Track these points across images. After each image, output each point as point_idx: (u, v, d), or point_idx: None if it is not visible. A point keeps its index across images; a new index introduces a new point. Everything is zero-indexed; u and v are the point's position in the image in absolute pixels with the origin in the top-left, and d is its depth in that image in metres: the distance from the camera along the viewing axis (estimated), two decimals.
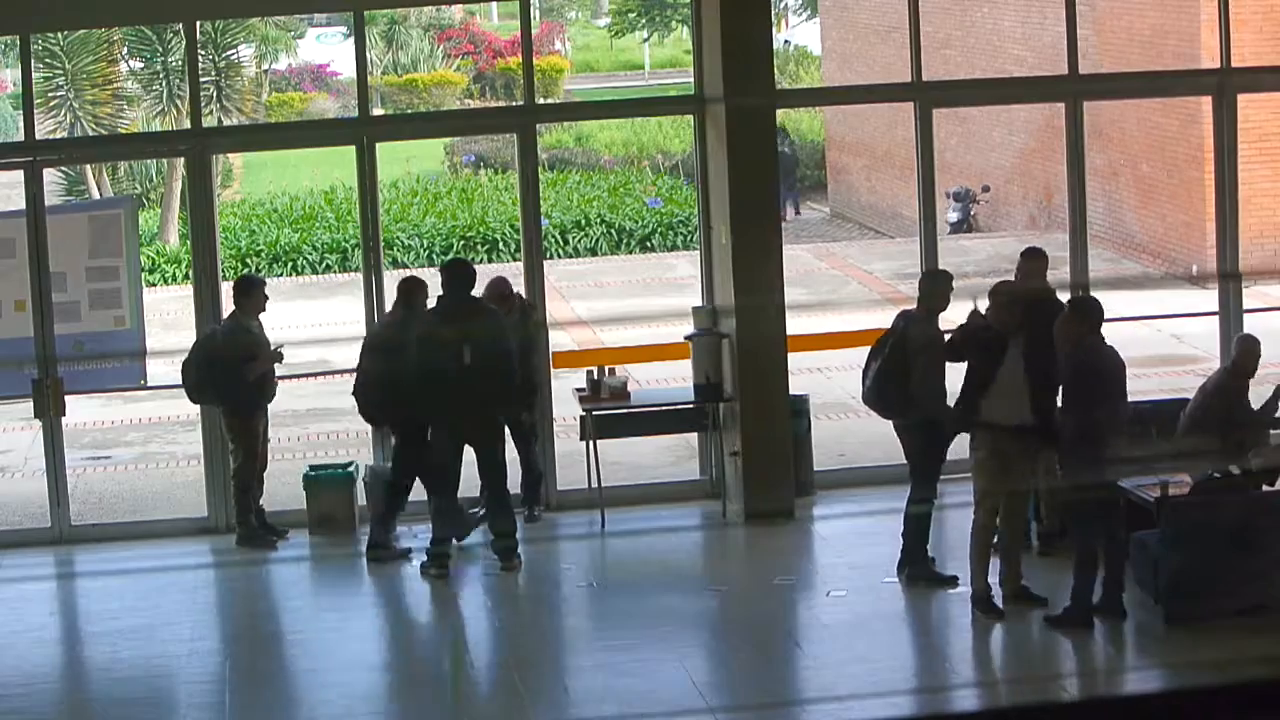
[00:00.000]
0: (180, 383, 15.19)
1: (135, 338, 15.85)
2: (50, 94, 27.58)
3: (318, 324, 23.04)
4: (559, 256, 27.99)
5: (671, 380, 17.34)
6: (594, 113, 28.42)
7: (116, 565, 14.97)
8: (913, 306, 13.97)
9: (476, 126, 28.41)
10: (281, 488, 16.00)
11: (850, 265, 27.30)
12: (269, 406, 15.19)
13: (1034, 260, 14.39)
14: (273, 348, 15.05)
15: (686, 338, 15.84)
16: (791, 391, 15.58)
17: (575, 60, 48.82)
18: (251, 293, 15.09)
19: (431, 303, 14.58)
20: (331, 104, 39.26)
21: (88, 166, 27.99)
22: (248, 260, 27.14)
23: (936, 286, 13.85)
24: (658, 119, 34.95)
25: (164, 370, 17.07)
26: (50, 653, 13.57)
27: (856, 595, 13.65)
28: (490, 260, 27.57)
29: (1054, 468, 13.87)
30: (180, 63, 25.24)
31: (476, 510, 14.96)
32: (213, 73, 27.88)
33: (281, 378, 15.52)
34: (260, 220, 29.13)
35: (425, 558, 14.40)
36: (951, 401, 13.38)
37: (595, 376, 15.70)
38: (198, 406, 15.58)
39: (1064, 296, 13.72)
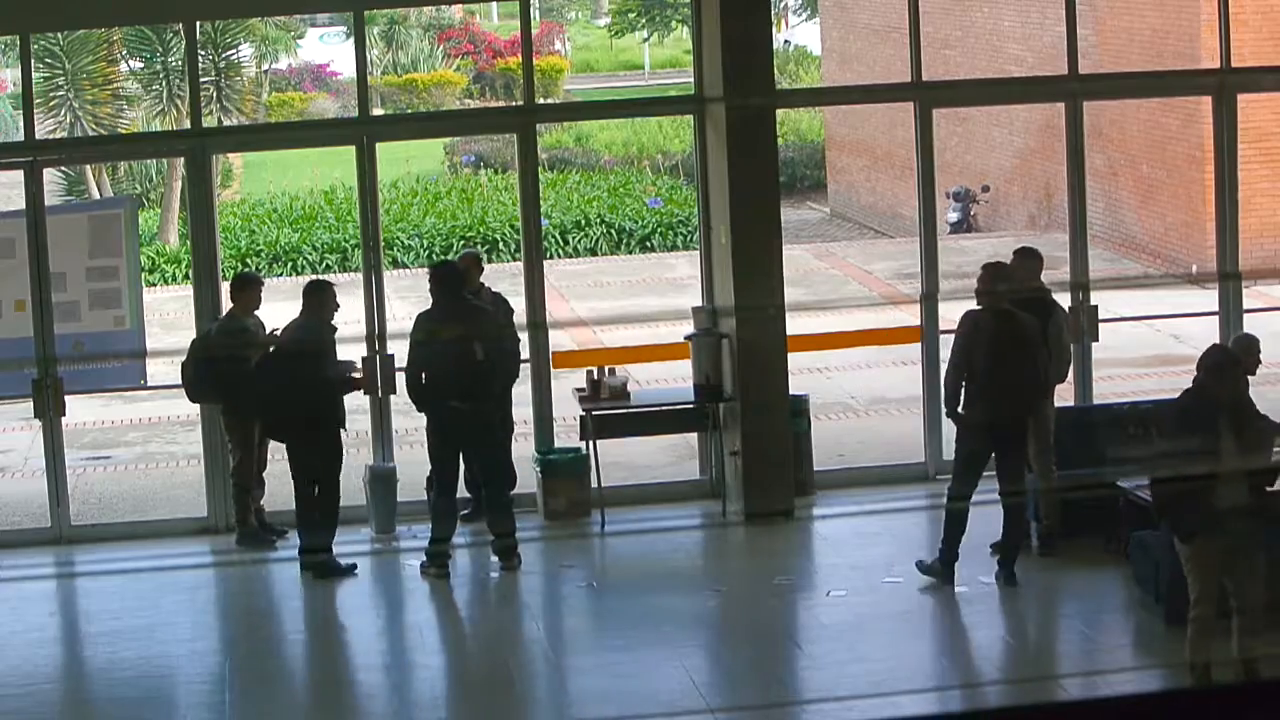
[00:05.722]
0: (179, 382, 15.19)
1: (135, 338, 15.84)
2: (50, 94, 27.55)
3: None
4: (559, 256, 27.97)
5: (671, 380, 17.33)
6: (594, 113, 28.44)
7: (116, 565, 14.95)
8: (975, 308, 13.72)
9: (476, 126, 28.42)
10: (282, 488, 15.98)
11: (850, 265, 27.29)
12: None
13: (1027, 260, 14.35)
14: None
15: (686, 338, 15.83)
16: (791, 391, 15.57)
17: (575, 60, 48.80)
18: (247, 289, 15.11)
19: (427, 304, 14.57)
20: (331, 104, 39.24)
21: (88, 166, 27.97)
22: (248, 260, 27.10)
23: (1014, 272, 13.83)
24: (658, 119, 34.93)
25: (164, 370, 17.05)
26: (50, 653, 13.56)
27: (856, 595, 13.64)
28: (490, 261, 27.50)
29: (1050, 468, 13.85)
30: (180, 63, 25.23)
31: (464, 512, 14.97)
32: (213, 73, 27.85)
33: None
34: (260, 220, 29.10)
35: (425, 557, 14.41)
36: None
37: (595, 376, 15.69)
38: (197, 406, 15.58)
39: (1064, 297, 13.70)
